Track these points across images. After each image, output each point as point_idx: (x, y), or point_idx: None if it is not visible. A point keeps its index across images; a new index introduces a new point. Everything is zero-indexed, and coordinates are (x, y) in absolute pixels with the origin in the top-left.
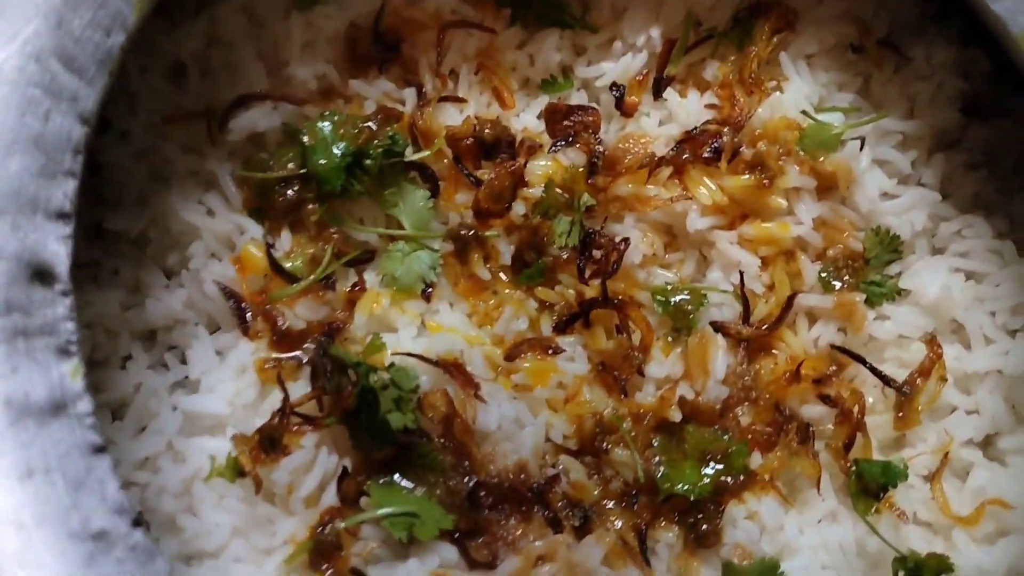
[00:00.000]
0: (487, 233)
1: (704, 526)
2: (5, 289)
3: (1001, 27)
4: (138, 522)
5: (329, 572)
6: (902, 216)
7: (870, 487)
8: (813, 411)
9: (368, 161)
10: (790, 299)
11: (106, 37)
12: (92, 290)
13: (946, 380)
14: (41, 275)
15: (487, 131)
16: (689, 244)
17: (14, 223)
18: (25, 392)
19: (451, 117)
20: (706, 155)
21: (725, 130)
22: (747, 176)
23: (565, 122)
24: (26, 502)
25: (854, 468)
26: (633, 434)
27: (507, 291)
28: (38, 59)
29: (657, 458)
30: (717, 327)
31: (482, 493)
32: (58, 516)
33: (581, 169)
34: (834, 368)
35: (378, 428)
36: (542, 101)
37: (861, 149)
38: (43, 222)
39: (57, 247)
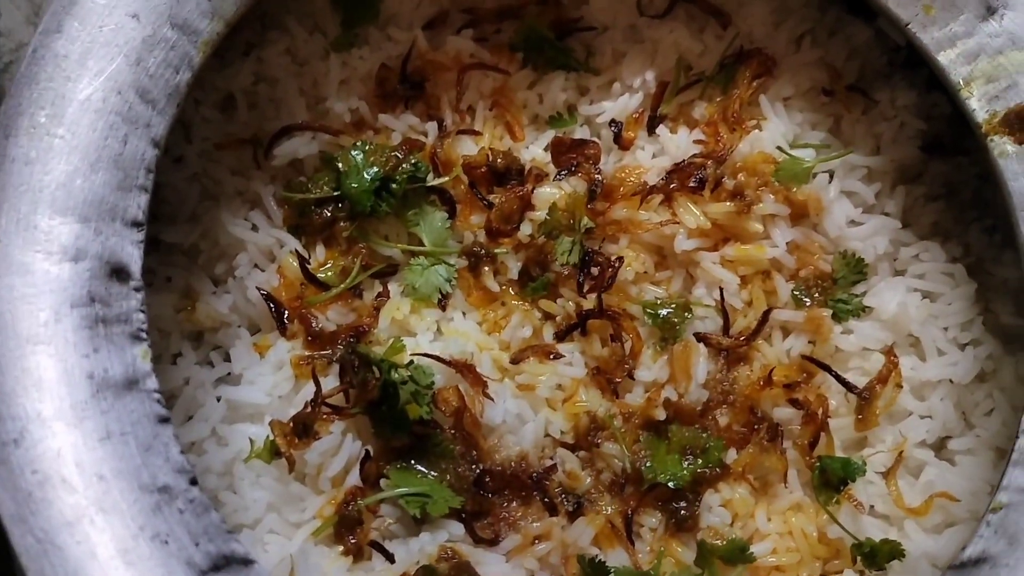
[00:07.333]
0: (497, 251)
1: (683, 512)
2: (89, 283)
3: (944, 76)
4: (195, 481)
5: (351, 544)
6: (866, 241)
7: (832, 481)
8: (783, 413)
9: (394, 185)
10: (765, 314)
11: (175, 74)
12: (148, 294)
13: (902, 387)
14: (118, 273)
15: (499, 161)
16: (677, 263)
17: (97, 228)
18: (104, 369)
19: (468, 148)
20: (692, 184)
21: (709, 163)
22: (728, 204)
23: (569, 154)
24: (105, 458)
25: (818, 464)
26: (623, 431)
27: (514, 302)
28: (119, 92)
29: (643, 452)
30: (700, 337)
31: (487, 479)
32: (131, 471)
33: (582, 195)
34: (803, 376)
35: (397, 418)
36: (549, 135)
37: (830, 181)
38: (121, 228)
39: (132, 250)
